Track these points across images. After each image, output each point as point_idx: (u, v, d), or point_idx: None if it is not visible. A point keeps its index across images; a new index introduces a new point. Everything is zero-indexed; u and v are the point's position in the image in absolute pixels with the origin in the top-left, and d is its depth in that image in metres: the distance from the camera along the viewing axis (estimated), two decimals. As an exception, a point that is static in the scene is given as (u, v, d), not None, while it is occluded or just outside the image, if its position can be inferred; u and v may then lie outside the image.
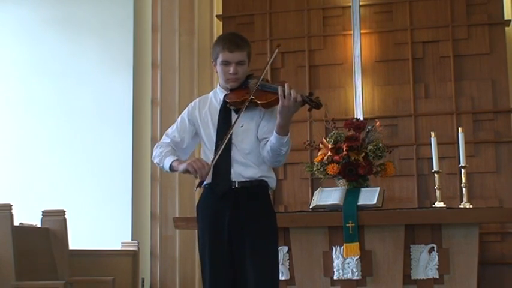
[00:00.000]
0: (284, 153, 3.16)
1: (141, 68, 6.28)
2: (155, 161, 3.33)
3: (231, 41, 3.22)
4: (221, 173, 3.16)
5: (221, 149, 3.11)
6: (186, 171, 3.14)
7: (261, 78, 3.21)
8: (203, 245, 3.21)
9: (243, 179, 3.17)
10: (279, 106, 3.07)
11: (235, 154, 3.18)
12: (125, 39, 6.28)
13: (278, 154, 3.15)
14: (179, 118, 3.40)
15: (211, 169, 3.14)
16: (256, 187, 3.20)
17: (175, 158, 3.23)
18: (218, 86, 3.36)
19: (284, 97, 3.05)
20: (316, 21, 6.25)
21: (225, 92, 3.29)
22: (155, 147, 3.36)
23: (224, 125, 3.19)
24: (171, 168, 3.23)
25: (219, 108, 3.27)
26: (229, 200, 3.16)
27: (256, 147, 3.21)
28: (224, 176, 3.16)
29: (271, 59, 3.37)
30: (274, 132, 3.11)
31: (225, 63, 3.22)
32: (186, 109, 3.39)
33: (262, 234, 3.16)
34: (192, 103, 3.41)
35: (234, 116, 3.21)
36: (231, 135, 3.15)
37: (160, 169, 5.81)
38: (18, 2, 6.53)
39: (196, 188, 3.16)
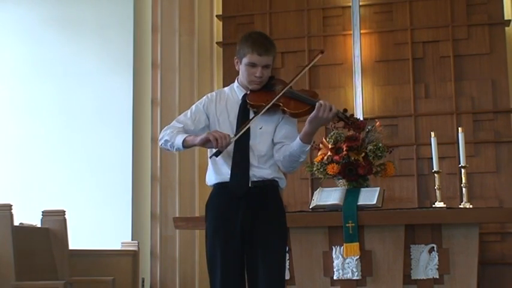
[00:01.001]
0: (302, 160, 3.16)
1: (141, 68, 6.27)
2: (164, 139, 3.21)
3: (261, 44, 3.19)
4: (240, 174, 3.15)
5: (243, 131, 3.08)
6: (206, 141, 3.05)
7: (289, 85, 3.20)
8: (213, 244, 3.19)
9: (256, 179, 3.16)
10: (312, 115, 3.06)
11: (251, 157, 3.17)
12: (124, 39, 6.28)
13: (296, 161, 3.15)
14: (193, 107, 3.32)
15: (230, 164, 3.13)
16: (269, 187, 3.20)
17: (188, 134, 3.17)
18: (236, 83, 3.32)
19: (320, 108, 3.04)
20: (316, 21, 6.25)
21: (244, 91, 3.26)
22: (163, 130, 3.27)
23: (242, 125, 3.16)
24: (184, 143, 3.14)
25: (237, 107, 3.24)
26: (243, 200, 3.15)
27: (270, 150, 3.21)
28: (243, 177, 3.14)
29: (310, 65, 3.39)
30: (298, 139, 3.10)
31: (252, 65, 3.19)
32: (203, 100, 3.33)
33: (274, 235, 3.17)
34: (209, 95, 3.35)
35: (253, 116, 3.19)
36: (248, 133, 3.14)
37: (161, 169, 5.95)
38: (18, 2, 6.52)
39: (211, 156, 3.10)
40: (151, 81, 6.19)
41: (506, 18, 5.92)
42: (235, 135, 3.08)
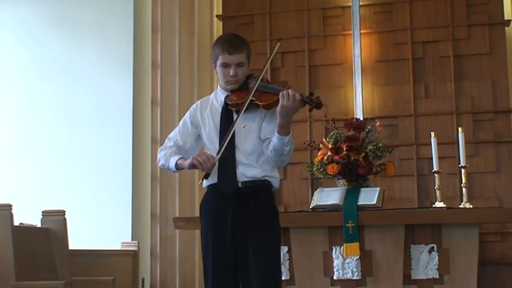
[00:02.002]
0: (287, 152, 3.16)
1: (141, 68, 6.28)
2: (160, 163, 3.32)
3: (230, 43, 3.22)
4: (227, 174, 3.16)
5: (224, 145, 3.10)
6: (192, 165, 3.14)
7: (259, 79, 3.20)
8: (206, 244, 3.21)
9: (246, 179, 3.17)
10: (278, 106, 3.07)
11: (238, 155, 3.18)
12: (124, 39, 6.28)
13: (281, 153, 3.15)
14: (181, 121, 3.39)
15: (217, 165, 3.14)
16: (259, 187, 3.20)
17: (180, 157, 3.24)
18: (218, 87, 3.36)
19: (283, 97, 3.05)
20: (316, 21, 6.25)
21: (226, 93, 3.29)
22: (158, 151, 3.36)
23: (226, 126, 3.19)
24: (177, 166, 3.23)
25: (220, 109, 3.27)
26: (233, 200, 3.16)
27: (258, 147, 3.21)
28: (230, 177, 3.16)
29: (272, 55, 3.35)
30: (275, 132, 3.12)
31: (225, 65, 3.22)
32: (188, 112, 3.39)
33: (265, 234, 3.16)
34: (194, 105, 3.41)
35: (235, 117, 3.20)
36: (233, 133, 3.16)
37: (161, 169, 5.94)
38: (18, 2, 6.53)
39: (202, 180, 3.16)
40: (151, 81, 6.19)
41: (506, 18, 5.92)
42: (218, 151, 3.12)
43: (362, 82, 6.00)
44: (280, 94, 3.06)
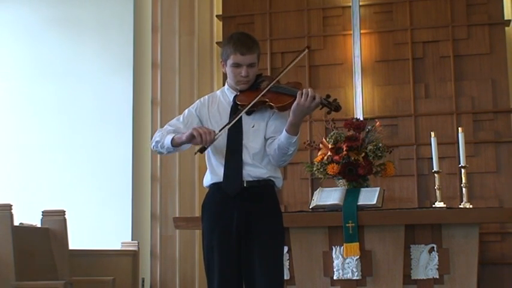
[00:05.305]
0: (291, 153, 3.16)
1: (141, 68, 6.28)
2: (155, 140, 3.23)
3: (242, 43, 3.19)
4: (233, 174, 3.16)
5: (229, 125, 3.09)
6: (191, 136, 3.06)
7: (275, 81, 3.20)
8: (210, 244, 3.20)
9: (251, 179, 3.17)
10: (294, 105, 3.06)
11: (245, 155, 3.18)
12: (125, 39, 6.28)
13: (285, 153, 3.15)
14: (186, 111, 3.34)
15: (222, 164, 3.15)
16: (264, 187, 3.21)
17: (177, 134, 3.18)
18: (226, 85, 3.34)
19: (302, 96, 3.04)
20: (316, 21, 6.25)
21: (235, 93, 3.28)
22: (155, 133, 3.30)
23: (235, 125, 3.17)
24: (173, 142, 3.15)
25: (229, 108, 3.26)
26: (238, 200, 3.16)
27: (264, 146, 3.22)
28: (236, 177, 3.15)
29: (295, 61, 3.31)
30: (284, 130, 3.11)
31: (236, 65, 3.20)
32: (195, 104, 3.36)
33: (270, 234, 3.17)
34: (202, 99, 3.37)
35: (244, 117, 3.20)
36: (242, 133, 3.16)
37: (161, 169, 5.95)
38: (18, 2, 6.52)
39: (196, 152, 3.10)
40: (151, 81, 6.19)
41: (506, 18, 5.92)
42: (220, 131, 3.09)
43: (362, 82, 6.00)
44: (298, 93, 3.05)
